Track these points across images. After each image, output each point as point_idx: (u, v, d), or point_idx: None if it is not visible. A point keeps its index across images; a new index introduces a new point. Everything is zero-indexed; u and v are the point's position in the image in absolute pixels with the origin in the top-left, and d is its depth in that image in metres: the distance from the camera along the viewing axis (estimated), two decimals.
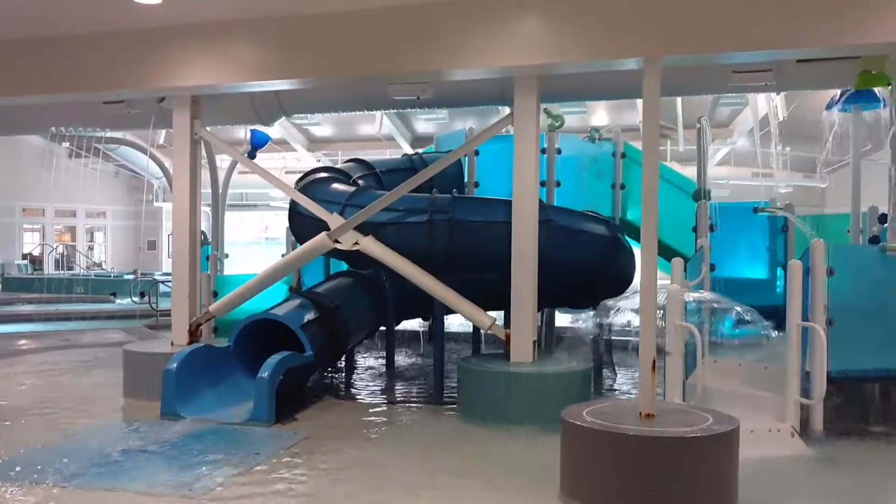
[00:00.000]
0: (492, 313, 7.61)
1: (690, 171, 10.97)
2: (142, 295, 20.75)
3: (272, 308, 8.08)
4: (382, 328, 10.06)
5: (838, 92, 8.67)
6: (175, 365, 7.03)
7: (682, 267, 6.70)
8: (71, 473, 5.35)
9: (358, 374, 9.57)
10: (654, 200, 4.88)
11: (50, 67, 8.27)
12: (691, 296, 6.47)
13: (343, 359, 9.45)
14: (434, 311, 8.09)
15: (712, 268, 7.74)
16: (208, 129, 8.70)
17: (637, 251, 9.11)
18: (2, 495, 4.94)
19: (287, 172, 27.09)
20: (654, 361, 4.86)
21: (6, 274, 27.87)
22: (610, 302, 8.48)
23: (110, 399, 7.94)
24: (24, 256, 31.96)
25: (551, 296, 7.57)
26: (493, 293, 7.87)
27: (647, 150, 5.00)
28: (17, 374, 9.36)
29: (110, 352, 11.16)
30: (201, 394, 7.20)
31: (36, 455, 5.81)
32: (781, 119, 18.32)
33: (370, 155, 16.43)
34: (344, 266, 9.95)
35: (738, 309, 6.77)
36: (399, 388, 8.71)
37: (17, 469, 5.45)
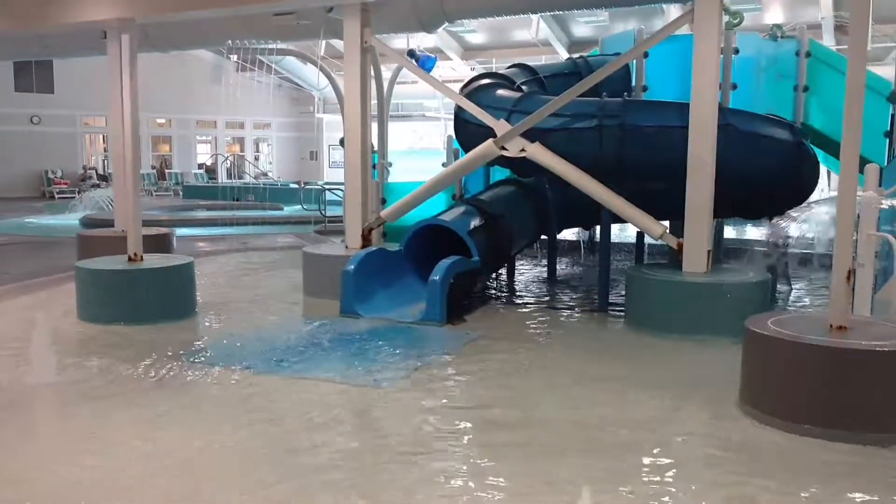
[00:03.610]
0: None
1: (878, 72, 10.03)
2: (235, 200, 21.77)
3: (439, 215, 8.28)
4: (543, 236, 10.10)
5: None
6: (353, 267, 7.42)
7: (877, 174, 6.21)
8: (265, 361, 5.84)
9: (520, 281, 9.71)
10: (858, 99, 4.50)
11: None
12: (889, 203, 6.00)
13: (505, 266, 9.59)
14: (601, 218, 8.00)
15: None
16: None
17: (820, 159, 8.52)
18: (208, 375, 5.52)
19: (443, 81, 27.16)
20: (850, 272, 4.59)
21: (185, 182, 30.10)
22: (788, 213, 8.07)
23: (292, 297, 8.50)
24: (200, 166, 34.29)
25: (726, 205, 7.26)
26: (662, 202, 7.66)
27: (854, 42, 4.58)
28: (206, 275, 10.08)
29: (286, 255, 11.91)
30: (375, 294, 7.59)
31: (232, 345, 6.37)
32: None
33: (526, 61, 16.11)
34: (499, 175, 10.00)
35: None
36: (562, 296, 8.78)
37: (218, 356, 6.01)
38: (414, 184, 9.24)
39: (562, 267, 10.68)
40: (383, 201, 9.45)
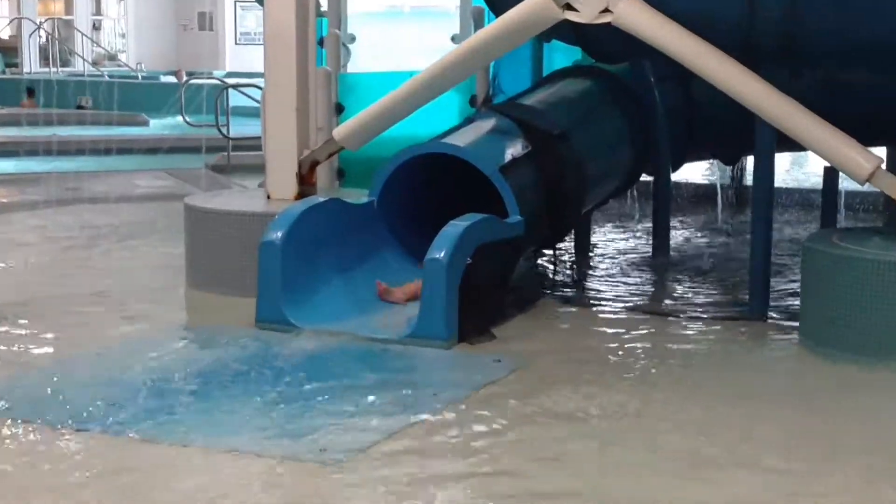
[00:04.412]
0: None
1: None
2: (29, 93, 21.88)
3: (444, 135, 8.31)
4: (645, 177, 10.16)
5: None
6: (280, 234, 7.39)
7: None
8: (113, 414, 5.81)
9: (600, 261, 9.78)
10: None
11: None
12: None
13: (573, 232, 9.61)
14: (756, 144, 8.01)
15: None
16: None
17: None
18: (6, 441, 5.47)
19: None
20: None
21: None
22: None
23: (165, 292, 8.58)
24: None
25: None
26: (871, 113, 7.73)
27: None
28: (2, 248, 10.16)
29: (153, 211, 12.03)
30: (323, 287, 7.64)
31: (52, 384, 6.34)
32: None
33: None
34: (560, 62, 9.99)
35: None
36: (680, 291, 8.84)
37: (27, 404, 5.99)
38: (396, 75, 9.24)
39: (680, 234, 10.74)
40: (339, 109, 9.47)
